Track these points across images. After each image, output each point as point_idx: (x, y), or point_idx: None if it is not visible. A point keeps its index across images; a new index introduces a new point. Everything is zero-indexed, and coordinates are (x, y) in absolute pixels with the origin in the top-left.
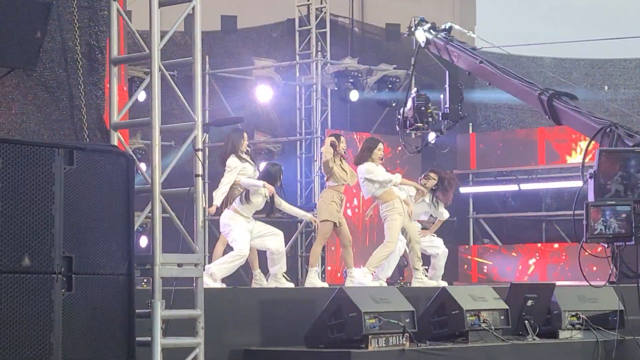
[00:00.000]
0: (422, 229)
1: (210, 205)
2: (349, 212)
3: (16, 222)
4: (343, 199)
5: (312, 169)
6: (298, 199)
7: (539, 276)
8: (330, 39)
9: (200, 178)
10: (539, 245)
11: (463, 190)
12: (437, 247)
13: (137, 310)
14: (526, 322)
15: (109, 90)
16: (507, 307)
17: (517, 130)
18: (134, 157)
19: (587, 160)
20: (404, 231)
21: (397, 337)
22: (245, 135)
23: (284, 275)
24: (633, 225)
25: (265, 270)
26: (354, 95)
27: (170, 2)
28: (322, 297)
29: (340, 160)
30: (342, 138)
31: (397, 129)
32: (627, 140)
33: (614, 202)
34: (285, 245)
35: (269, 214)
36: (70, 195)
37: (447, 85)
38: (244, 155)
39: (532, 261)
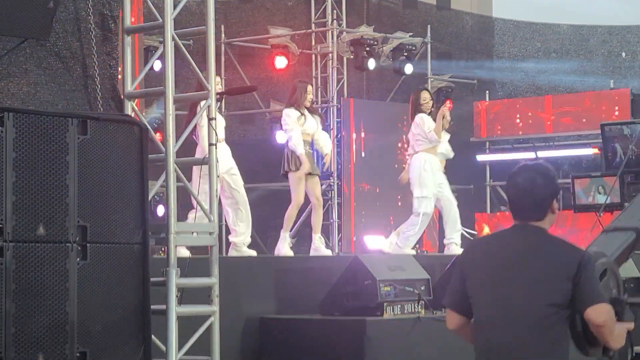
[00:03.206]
0: None
1: None
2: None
3: (31, 192)
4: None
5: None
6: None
7: None
8: (346, 7)
9: (214, 147)
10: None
11: (480, 158)
12: None
13: (152, 279)
14: None
15: (123, 60)
16: None
17: (534, 97)
18: (148, 127)
19: None
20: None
21: (413, 305)
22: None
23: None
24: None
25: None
26: (371, 64)
27: None
28: (337, 265)
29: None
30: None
31: None
32: None
33: (599, 174)
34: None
35: None
36: (84, 164)
37: None
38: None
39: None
